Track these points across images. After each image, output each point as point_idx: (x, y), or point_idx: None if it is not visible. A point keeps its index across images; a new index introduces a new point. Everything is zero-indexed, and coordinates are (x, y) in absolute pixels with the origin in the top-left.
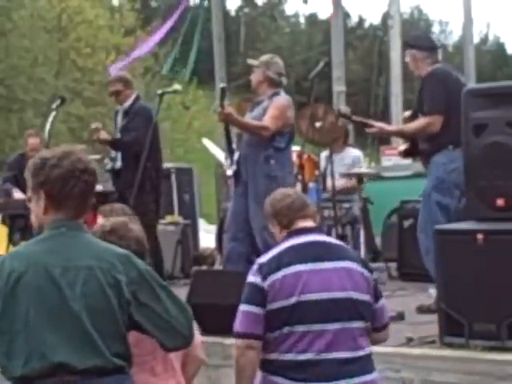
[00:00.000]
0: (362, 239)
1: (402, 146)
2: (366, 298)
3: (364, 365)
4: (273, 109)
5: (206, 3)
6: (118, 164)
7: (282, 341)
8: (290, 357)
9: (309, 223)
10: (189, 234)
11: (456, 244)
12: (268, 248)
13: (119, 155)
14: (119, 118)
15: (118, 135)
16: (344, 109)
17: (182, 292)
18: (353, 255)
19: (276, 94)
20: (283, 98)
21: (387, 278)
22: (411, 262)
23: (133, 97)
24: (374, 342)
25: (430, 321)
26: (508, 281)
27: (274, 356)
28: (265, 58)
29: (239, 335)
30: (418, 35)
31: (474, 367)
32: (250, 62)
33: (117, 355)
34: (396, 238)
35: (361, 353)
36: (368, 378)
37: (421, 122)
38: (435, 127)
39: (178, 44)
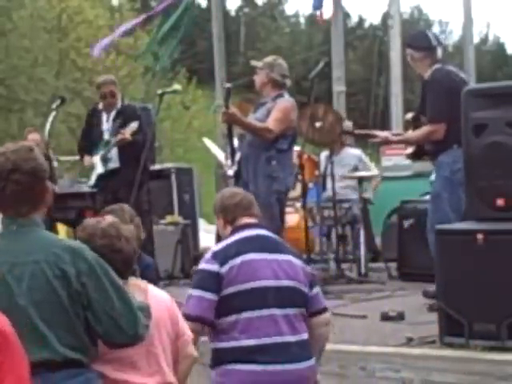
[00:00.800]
0: (361, 239)
1: (410, 149)
2: (304, 288)
3: (307, 349)
4: (276, 111)
5: (205, 3)
6: (112, 165)
7: (238, 326)
8: (250, 342)
9: (252, 220)
10: (189, 234)
11: (456, 244)
12: None
13: (115, 155)
14: (108, 119)
15: (106, 135)
16: (347, 125)
17: (182, 292)
18: (292, 250)
19: (280, 95)
20: (287, 101)
21: (387, 278)
22: (411, 261)
23: (120, 97)
24: (317, 327)
25: (430, 321)
26: (508, 281)
27: (232, 344)
28: (268, 59)
29: (190, 318)
30: (415, 34)
31: (474, 367)
32: (254, 63)
33: (70, 347)
34: (396, 238)
35: (302, 337)
36: (311, 362)
37: (424, 130)
38: (439, 134)
39: (160, 31)
